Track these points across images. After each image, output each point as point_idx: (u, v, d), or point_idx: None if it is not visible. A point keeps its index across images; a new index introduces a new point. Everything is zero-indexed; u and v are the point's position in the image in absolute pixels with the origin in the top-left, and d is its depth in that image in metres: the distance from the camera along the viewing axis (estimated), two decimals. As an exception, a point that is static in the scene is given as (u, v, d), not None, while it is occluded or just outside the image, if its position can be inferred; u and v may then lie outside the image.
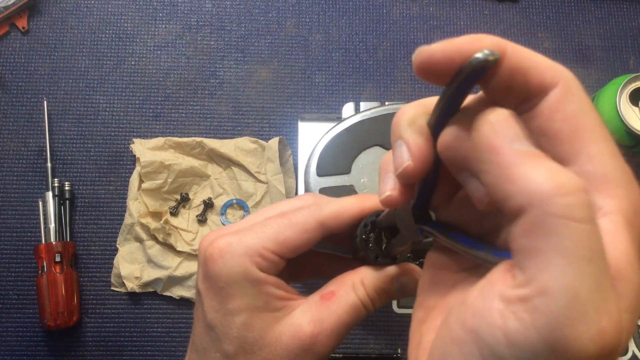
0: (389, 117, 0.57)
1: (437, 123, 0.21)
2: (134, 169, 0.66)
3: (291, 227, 0.29)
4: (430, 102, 0.22)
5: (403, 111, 0.23)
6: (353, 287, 0.30)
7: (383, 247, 0.30)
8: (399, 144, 0.22)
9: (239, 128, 0.69)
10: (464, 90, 0.20)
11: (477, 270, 0.23)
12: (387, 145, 0.56)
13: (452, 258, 0.24)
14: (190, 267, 0.63)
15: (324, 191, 0.55)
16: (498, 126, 0.19)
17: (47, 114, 0.67)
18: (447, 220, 0.25)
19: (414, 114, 0.23)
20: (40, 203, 0.65)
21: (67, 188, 0.66)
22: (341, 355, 0.63)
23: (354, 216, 0.30)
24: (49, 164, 0.66)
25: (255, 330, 0.28)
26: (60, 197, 0.65)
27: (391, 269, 0.30)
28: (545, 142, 0.20)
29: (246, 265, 0.28)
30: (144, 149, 0.65)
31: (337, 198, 0.32)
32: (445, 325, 0.20)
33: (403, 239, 0.28)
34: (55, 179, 0.65)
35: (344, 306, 0.29)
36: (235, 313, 0.28)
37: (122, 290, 0.64)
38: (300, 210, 0.30)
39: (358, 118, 0.57)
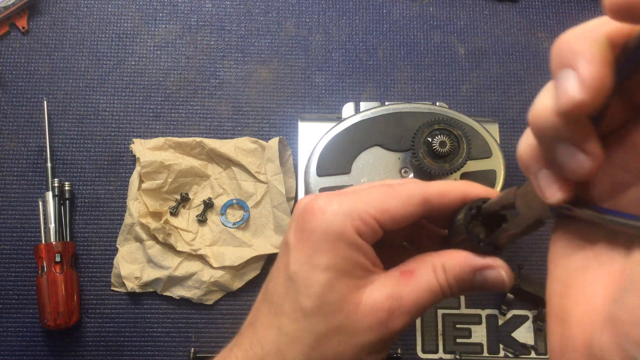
0: (389, 117, 0.57)
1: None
2: (134, 169, 0.66)
3: (396, 197, 0.28)
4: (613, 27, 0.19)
5: (582, 29, 0.19)
6: (434, 268, 0.28)
7: (482, 236, 0.29)
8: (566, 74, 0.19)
9: (239, 128, 0.69)
10: None
11: (616, 244, 0.21)
12: (387, 145, 0.57)
13: (583, 233, 0.23)
14: (190, 267, 0.64)
15: (324, 191, 0.55)
16: None
17: (47, 114, 0.67)
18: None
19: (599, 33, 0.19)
20: (40, 203, 0.65)
21: (67, 188, 0.66)
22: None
23: (458, 198, 0.29)
24: (49, 164, 0.66)
25: (336, 292, 0.27)
26: (60, 197, 0.65)
27: (477, 261, 0.28)
28: None
29: (345, 225, 0.27)
30: (144, 149, 0.65)
31: (442, 180, 0.31)
32: (622, 303, 0.19)
33: (521, 221, 0.26)
34: (55, 179, 0.65)
35: (423, 286, 0.28)
36: (321, 269, 0.27)
37: (122, 290, 0.64)
38: (406, 184, 0.30)
39: (358, 118, 0.57)
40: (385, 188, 0.29)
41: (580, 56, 0.18)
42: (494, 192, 0.30)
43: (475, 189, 0.30)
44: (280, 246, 0.31)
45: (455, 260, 0.28)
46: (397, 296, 0.28)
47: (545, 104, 0.20)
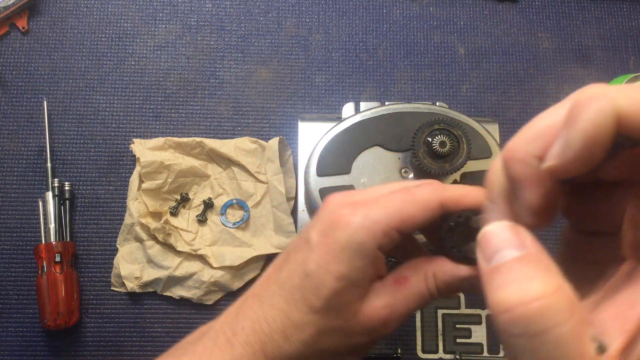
0: (389, 117, 0.57)
1: None
2: (134, 169, 0.66)
3: (414, 203, 0.30)
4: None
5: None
6: (425, 277, 0.30)
7: (462, 246, 0.30)
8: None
9: (239, 128, 0.69)
10: None
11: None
12: (387, 145, 0.56)
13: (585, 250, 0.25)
14: (190, 267, 0.63)
15: (324, 191, 0.55)
16: (482, 244, 0.20)
17: (47, 114, 0.67)
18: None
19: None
20: (40, 203, 0.65)
21: (67, 188, 0.66)
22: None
23: (473, 206, 0.30)
24: (49, 164, 0.66)
25: (342, 300, 0.30)
26: (60, 197, 0.65)
27: (465, 270, 0.30)
28: None
29: (367, 239, 0.29)
30: (144, 149, 0.65)
31: (459, 185, 0.32)
32: None
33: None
34: (55, 179, 0.65)
35: (414, 294, 0.30)
36: (334, 277, 0.29)
37: (122, 290, 0.64)
38: (423, 187, 0.30)
39: (358, 118, 0.57)
40: (403, 194, 0.30)
41: (576, 124, 0.19)
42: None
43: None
44: (299, 236, 0.33)
45: (446, 269, 0.30)
46: (392, 305, 0.30)
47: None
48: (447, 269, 0.30)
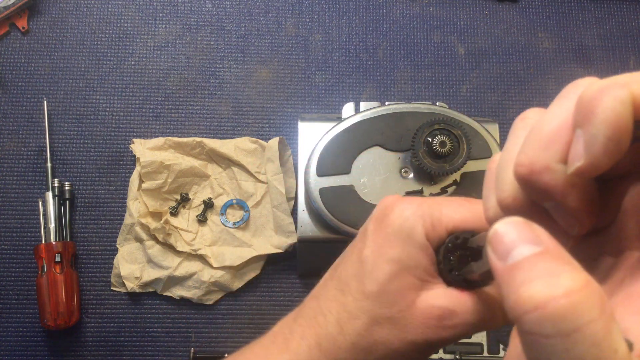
0: (389, 117, 0.57)
1: None
2: (134, 169, 0.66)
3: (471, 210, 0.30)
4: None
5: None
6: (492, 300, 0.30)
7: (460, 269, 0.30)
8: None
9: (239, 128, 0.69)
10: None
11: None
12: (387, 145, 0.56)
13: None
14: (190, 267, 0.63)
15: (324, 191, 0.55)
16: (494, 243, 0.19)
17: (47, 114, 0.67)
18: None
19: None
20: (40, 203, 0.65)
21: (67, 188, 0.66)
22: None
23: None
24: (49, 164, 0.66)
25: (396, 284, 0.29)
26: (60, 197, 0.65)
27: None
28: None
29: (418, 225, 0.30)
30: (144, 149, 0.65)
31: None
32: None
33: (481, 265, 0.27)
34: (55, 179, 0.65)
35: (478, 310, 0.29)
36: (388, 259, 0.30)
37: (122, 290, 0.64)
38: (477, 201, 0.31)
39: (358, 118, 0.57)
40: (463, 200, 0.31)
41: (596, 117, 0.18)
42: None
43: None
44: (359, 232, 0.33)
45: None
46: (450, 309, 0.29)
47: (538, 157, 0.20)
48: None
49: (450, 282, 0.30)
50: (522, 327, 0.17)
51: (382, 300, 0.30)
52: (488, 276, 0.27)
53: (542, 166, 0.20)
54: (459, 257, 0.29)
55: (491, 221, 0.24)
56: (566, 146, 0.19)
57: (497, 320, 0.30)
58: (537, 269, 0.17)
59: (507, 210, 0.22)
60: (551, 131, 0.20)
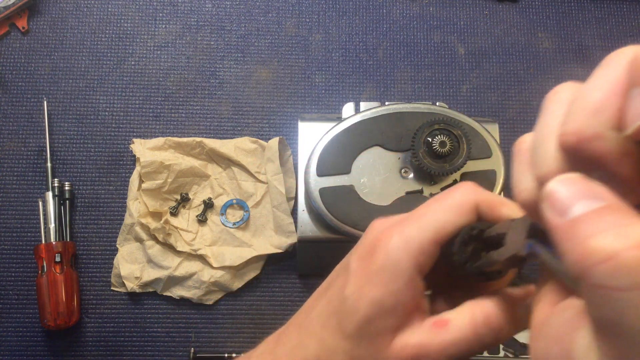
0: (389, 117, 0.57)
1: None
2: (134, 169, 0.66)
3: (449, 210, 0.28)
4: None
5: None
6: (472, 319, 0.28)
7: (476, 261, 0.28)
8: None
9: (239, 128, 0.69)
10: None
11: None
12: (387, 145, 0.56)
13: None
14: (190, 267, 0.63)
15: (324, 191, 0.55)
16: (549, 199, 0.18)
17: (47, 114, 0.67)
18: None
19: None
20: (40, 203, 0.65)
21: (67, 188, 0.66)
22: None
23: (504, 217, 0.28)
24: (49, 164, 0.66)
25: (375, 326, 0.29)
26: (60, 197, 0.65)
27: (515, 292, 0.28)
28: None
29: (401, 259, 0.28)
30: (144, 149, 0.65)
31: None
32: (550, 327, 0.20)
33: (503, 252, 0.26)
34: (55, 179, 0.65)
35: (452, 341, 0.28)
36: (369, 302, 0.29)
37: (122, 290, 0.64)
38: (455, 189, 0.29)
39: (358, 118, 0.57)
40: (438, 203, 0.29)
41: None
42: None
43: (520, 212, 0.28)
44: (341, 263, 0.32)
45: (496, 305, 0.28)
46: (424, 346, 0.28)
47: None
48: (497, 304, 0.28)
49: (465, 276, 0.29)
50: (592, 281, 0.16)
51: (360, 341, 0.29)
52: (511, 262, 0.26)
53: (592, 133, 0.19)
54: (474, 249, 0.28)
55: (527, 204, 0.23)
56: (617, 113, 0.19)
57: (483, 343, 0.28)
58: (604, 222, 0.17)
59: None
60: (600, 98, 0.19)
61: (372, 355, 0.29)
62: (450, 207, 0.28)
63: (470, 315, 0.28)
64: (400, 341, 0.28)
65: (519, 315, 0.28)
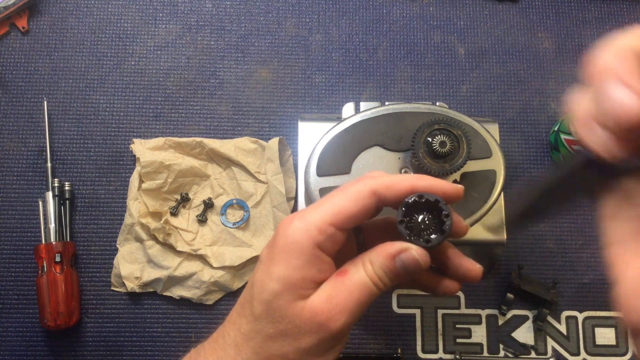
0: (389, 117, 0.57)
1: None
2: (134, 169, 0.66)
3: (346, 197, 0.32)
4: None
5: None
6: (363, 265, 0.32)
7: (412, 219, 0.32)
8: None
9: (239, 128, 0.69)
10: None
11: None
12: (387, 145, 0.56)
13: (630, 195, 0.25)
14: (190, 267, 0.63)
15: (324, 191, 0.55)
16: None
17: (47, 114, 0.67)
18: None
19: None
20: (40, 203, 0.65)
21: (67, 188, 0.66)
22: (341, 355, 0.63)
23: (407, 190, 0.32)
24: (49, 164, 0.66)
25: (281, 300, 0.31)
26: (60, 197, 0.65)
27: (392, 247, 0.31)
28: None
29: (301, 239, 0.31)
30: (144, 149, 0.65)
31: (394, 174, 0.34)
32: None
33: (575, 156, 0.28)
34: (55, 179, 0.65)
35: (355, 283, 0.31)
36: (272, 279, 0.31)
37: (122, 290, 0.64)
38: (357, 180, 0.33)
39: (358, 118, 0.57)
40: (336, 193, 0.32)
41: None
42: (441, 184, 0.33)
43: (424, 181, 0.32)
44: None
45: (378, 252, 0.32)
46: (334, 296, 0.31)
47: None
48: (379, 251, 0.32)
49: (402, 235, 0.32)
50: None
51: (271, 317, 0.31)
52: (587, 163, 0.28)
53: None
54: (413, 208, 0.32)
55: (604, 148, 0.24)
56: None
57: (378, 285, 0.31)
58: None
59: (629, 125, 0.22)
60: (623, 47, 0.23)
61: (285, 328, 0.31)
62: (346, 194, 0.32)
63: (360, 262, 0.32)
64: (312, 304, 0.31)
65: (392, 264, 0.32)
